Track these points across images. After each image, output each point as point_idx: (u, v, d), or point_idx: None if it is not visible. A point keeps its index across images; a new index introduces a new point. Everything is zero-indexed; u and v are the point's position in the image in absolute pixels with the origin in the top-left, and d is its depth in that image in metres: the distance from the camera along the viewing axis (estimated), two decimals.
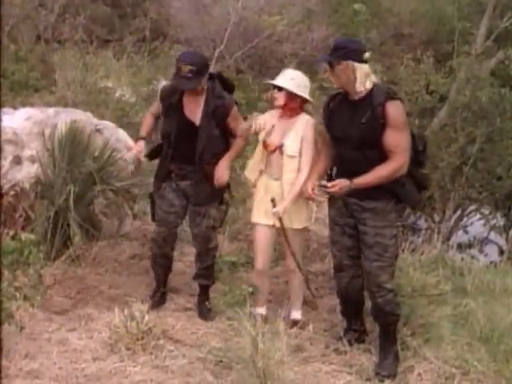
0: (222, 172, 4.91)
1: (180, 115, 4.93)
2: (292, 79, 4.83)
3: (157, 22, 12.26)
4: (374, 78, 4.31)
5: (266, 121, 4.89)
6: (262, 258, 4.96)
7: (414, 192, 4.36)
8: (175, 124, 4.91)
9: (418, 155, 4.36)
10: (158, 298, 5.20)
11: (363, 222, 4.33)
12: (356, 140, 4.23)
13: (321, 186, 4.33)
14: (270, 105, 4.94)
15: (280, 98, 4.82)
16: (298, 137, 4.81)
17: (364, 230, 4.33)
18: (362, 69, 4.24)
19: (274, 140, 4.84)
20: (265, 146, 4.86)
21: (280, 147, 4.82)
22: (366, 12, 9.55)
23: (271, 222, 4.87)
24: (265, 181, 4.90)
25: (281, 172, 4.82)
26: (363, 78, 4.24)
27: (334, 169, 4.56)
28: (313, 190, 4.51)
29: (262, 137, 4.89)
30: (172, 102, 4.95)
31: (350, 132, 4.26)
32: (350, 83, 4.27)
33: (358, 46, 4.35)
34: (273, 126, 4.86)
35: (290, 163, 4.80)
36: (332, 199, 4.53)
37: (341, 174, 4.35)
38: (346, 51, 4.24)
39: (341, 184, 4.21)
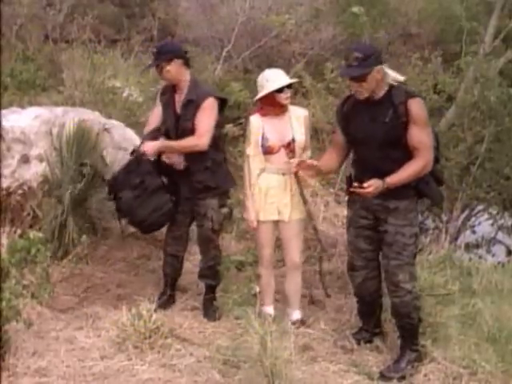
0: (148, 146, 4.94)
1: (173, 110, 4.99)
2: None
3: (164, 21, 12.27)
4: (392, 77, 4.29)
5: (256, 130, 4.85)
6: (266, 251, 4.99)
7: (436, 188, 4.40)
8: (171, 119, 4.98)
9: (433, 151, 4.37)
10: (165, 300, 5.20)
11: (385, 221, 4.34)
12: (380, 140, 4.22)
13: (355, 187, 4.25)
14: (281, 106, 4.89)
15: (289, 97, 4.86)
16: (302, 128, 4.88)
17: (384, 228, 4.34)
18: (387, 68, 4.26)
19: (275, 141, 4.82)
20: (269, 150, 4.83)
21: (287, 145, 4.81)
22: (365, 13, 9.53)
23: (276, 217, 4.88)
24: (266, 178, 4.87)
25: (288, 167, 4.79)
26: (392, 75, 4.26)
27: (352, 171, 4.55)
28: (298, 165, 4.60)
29: (254, 147, 4.85)
30: (166, 100, 5.05)
31: (373, 132, 4.25)
32: (379, 86, 4.24)
33: (378, 48, 4.40)
34: (262, 130, 4.83)
35: (302, 155, 4.85)
36: (350, 201, 4.54)
37: (361, 175, 4.31)
38: (375, 56, 4.21)
39: (376, 184, 4.19)
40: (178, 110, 4.96)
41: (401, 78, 4.30)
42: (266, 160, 4.86)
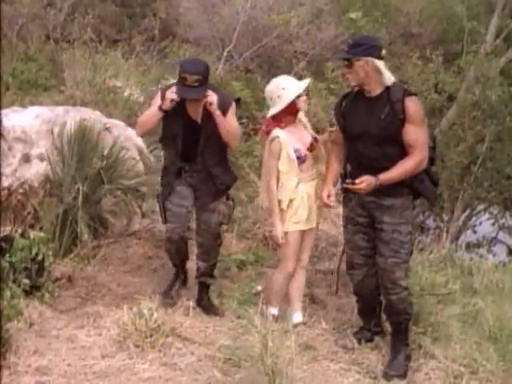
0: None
1: (184, 117, 4.92)
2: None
3: (166, 21, 12.30)
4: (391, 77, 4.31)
5: (286, 144, 4.68)
6: (293, 262, 4.87)
7: (431, 187, 4.43)
8: (181, 126, 4.91)
9: (429, 152, 4.38)
10: (173, 295, 5.18)
11: (380, 219, 4.34)
12: (375, 136, 4.24)
13: (348, 183, 4.29)
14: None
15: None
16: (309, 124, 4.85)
17: (381, 226, 4.34)
18: (382, 65, 4.25)
19: (303, 148, 4.72)
20: (304, 159, 4.70)
21: (310, 146, 4.73)
22: (366, 13, 9.54)
23: (309, 226, 4.81)
24: (305, 187, 4.74)
25: (314, 169, 4.76)
26: (386, 74, 4.26)
27: (348, 168, 4.55)
28: (329, 197, 4.54)
29: (289, 162, 4.69)
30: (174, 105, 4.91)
31: (368, 128, 4.27)
32: (370, 80, 4.27)
33: (377, 43, 4.38)
34: (289, 142, 4.69)
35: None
36: (346, 198, 4.53)
37: (357, 172, 4.32)
38: (366, 47, 4.24)
39: (368, 180, 4.20)
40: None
41: (392, 79, 4.29)
42: (299, 169, 4.71)
